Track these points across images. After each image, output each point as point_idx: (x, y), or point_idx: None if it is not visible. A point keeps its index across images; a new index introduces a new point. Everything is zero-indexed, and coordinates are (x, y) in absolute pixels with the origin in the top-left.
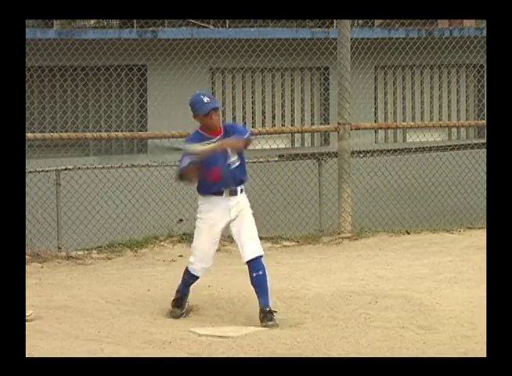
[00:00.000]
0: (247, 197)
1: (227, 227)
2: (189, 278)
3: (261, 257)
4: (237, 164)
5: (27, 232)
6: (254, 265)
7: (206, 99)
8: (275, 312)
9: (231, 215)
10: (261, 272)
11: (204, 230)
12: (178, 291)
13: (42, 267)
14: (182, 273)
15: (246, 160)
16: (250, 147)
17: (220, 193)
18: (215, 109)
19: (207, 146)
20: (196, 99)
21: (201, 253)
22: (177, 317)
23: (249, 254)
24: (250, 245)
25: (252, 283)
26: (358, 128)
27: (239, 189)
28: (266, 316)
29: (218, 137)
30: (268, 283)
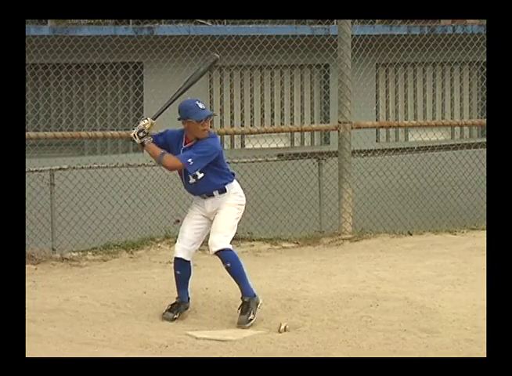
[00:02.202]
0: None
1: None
2: (176, 267)
3: (226, 250)
4: (199, 177)
5: None
6: (222, 257)
7: (201, 105)
8: (260, 305)
9: (206, 210)
10: (228, 265)
11: (188, 215)
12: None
13: (36, 269)
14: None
15: (245, 160)
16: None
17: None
18: (210, 116)
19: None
20: (191, 104)
21: (181, 233)
22: (169, 320)
23: (211, 246)
24: (214, 237)
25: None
26: (359, 127)
27: (215, 192)
28: (241, 307)
29: (190, 144)
30: (242, 273)
